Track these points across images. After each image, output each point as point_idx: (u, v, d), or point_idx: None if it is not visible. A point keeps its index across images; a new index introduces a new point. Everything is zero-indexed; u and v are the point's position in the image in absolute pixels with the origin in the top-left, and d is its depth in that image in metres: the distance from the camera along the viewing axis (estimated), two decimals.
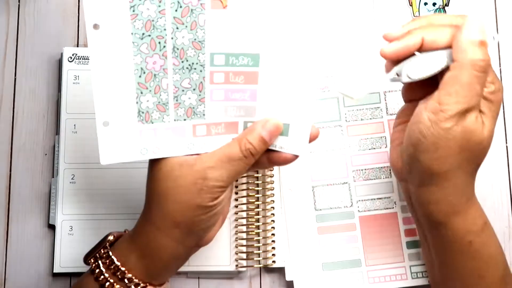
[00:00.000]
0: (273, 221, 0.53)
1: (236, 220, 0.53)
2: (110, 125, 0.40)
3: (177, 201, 0.40)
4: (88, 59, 0.55)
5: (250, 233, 0.52)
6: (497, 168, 0.54)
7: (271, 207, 0.53)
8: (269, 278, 0.54)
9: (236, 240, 0.52)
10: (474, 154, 0.39)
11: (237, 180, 0.53)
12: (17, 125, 0.55)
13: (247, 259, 0.52)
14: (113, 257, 0.42)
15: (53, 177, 0.54)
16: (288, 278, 0.52)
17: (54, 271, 0.52)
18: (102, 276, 0.41)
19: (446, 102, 0.37)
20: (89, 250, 0.44)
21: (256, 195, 0.53)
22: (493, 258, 0.42)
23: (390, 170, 0.53)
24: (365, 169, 0.53)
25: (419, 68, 0.39)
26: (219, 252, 0.52)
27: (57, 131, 0.54)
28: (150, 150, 0.41)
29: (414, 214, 0.45)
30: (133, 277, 0.41)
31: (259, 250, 0.52)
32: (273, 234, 0.52)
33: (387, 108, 0.54)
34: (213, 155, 0.41)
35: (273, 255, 0.52)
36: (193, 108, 0.41)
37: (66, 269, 0.52)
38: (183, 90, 0.41)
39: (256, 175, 0.53)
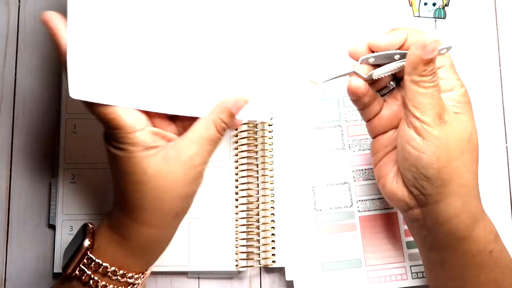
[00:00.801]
0: (273, 221, 0.53)
1: (236, 220, 0.53)
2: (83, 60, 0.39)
3: (175, 197, 0.40)
4: None
5: (250, 233, 0.52)
6: (497, 168, 0.54)
7: (271, 207, 0.53)
8: (269, 278, 0.54)
9: (236, 240, 0.52)
10: (472, 152, 0.40)
11: (237, 180, 0.53)
12: (17, 125, 0.55)
13: (247, 259, 0.52)
14: (105, 264, 0.41)
15: (53, 177, 0.54)
16: (288, 278, 0.52)
17: (54, 271, 0.52)
18: (91, 280, 0.41)
19: (419, 114, 0.39)
20: (68, 259, 0.41)
21: (256, 195, 0.53)
22: (509, 267, 0.42)
23: None
24: (365, 169, 0.53)
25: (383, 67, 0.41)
26: (219, 252, 0.52)
27: (57, 131, 0.54)
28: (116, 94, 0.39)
29: (425, 240, 0.43)
30: (126, 272, 0.41)
31: (259, 250, 0.52)
32: (273, 234, 0.52)
33: None
34: (192, 140, 0.40)
35: (273, 255, 0.52)
36: None
37: None
38: None
39: (256, 175, 0.53)
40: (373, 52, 0.41)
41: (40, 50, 0.56)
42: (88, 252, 0.41)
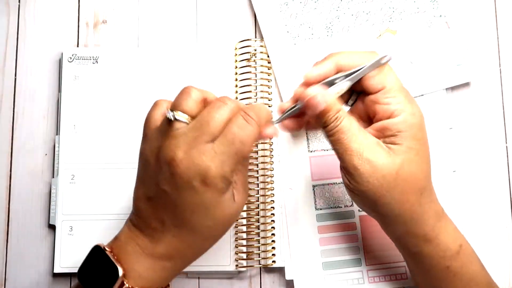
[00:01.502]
0: (273, 221, 0.53)
1: (236, 220, 0.53)
2: None
3: (211, 228, 0.40)
4: (88, 59, 0.55)
5: (250, 233, 0.52)
6: (497, 168, 0.54)
7: (271, 207, 0.53)
8: (269, 278, 0.54)
9: (236, 240, 0.52)
10: (404, 183, 0.40)
11: None
12: (17, 125, 0.55)
13: (247, 259, 0.52)
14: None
15: (53, 177, 0.54)
16: (288, 278, 0.52)
17: (54, 271, 0.52)
18: None
19: (343, 163, 0.41)
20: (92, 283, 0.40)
21: (256, 195, 0.53)
22: (473, 279, 0.43)
23: None
24: None
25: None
26: (219, 252, 0.52)
27: (57, 131, 0.54)
28: None
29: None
30: None
31: (259, 250, 0.52)
32: (273, 234, 0.52)
33: None
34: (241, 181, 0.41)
35: (273, 255, 0.52)
36: None
37: (66, 269, 0.52)
38: None
39: (256, 175, 0.53)
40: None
41: (40, 50, 0.56)
42: (124, 282, 0.39)
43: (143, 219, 0.40)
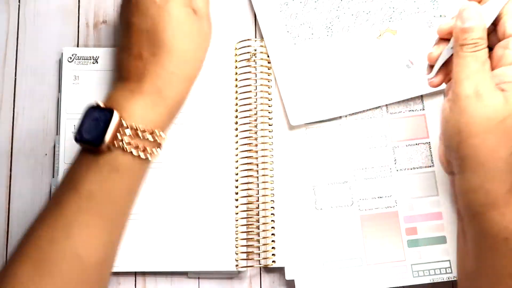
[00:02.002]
0: (273, 221, 0.53)
1: (236, 220, 0.53)
2: None
3: (192, 50, 0.46)
4: (88, 59, 0.55)
5: (250, 233, 0.52)
6: None
7: (271, 207, 0.53)
8: (269, 278, 0.54)
9: (236, 240, 0.52)
10: (502, 134, 0.39)
11: (237, 180, 0.53)
12: (17, 125, 0.55)
13: (247, 259, 0.52)
14: (137, 125, 0.42)
15: (53, 177, 0.54)
16: (288, 277, 0.52)
17: None
18: (129, 145, 0.42)
19: (454, 87, 0.39)
20: (97, 133, 0.41)
21: (256, 195, 0.53)
22: None
23: (390, 169, 0.53)
24: (366, 168, 0.53)
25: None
26: (219, 252, 0.52)
27: (57, 131, 0.54)
28: None
29: (457, 206, 0.44)
30: (147, 127, 0.42)
31: (259, 250, 0.52)
32: (273, 234, 0.52)
33: (387, 107, 0.54)
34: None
35: (273, 255, 0.52)
36: None
37: None
38: None
39: (256, 175, 0.53)
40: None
41: (40, 50, 0.56)
42: (121, 121, 0.41)
43: (124, 69, 0.45)
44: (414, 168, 0.53)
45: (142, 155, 0.42)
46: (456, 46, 0.40)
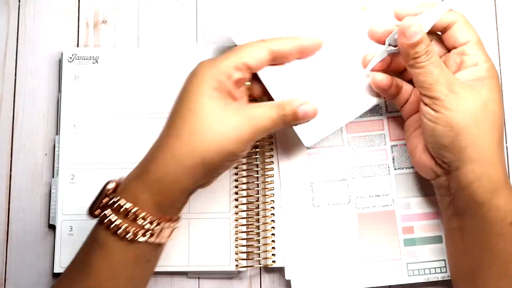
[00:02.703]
0: (273, 221, 0.53)
1: (236, 220, 0.53)
2: None
3: (212, 142, 0.41)
4: (88, 59, 0.55)
5: (250, 233, 0.52)
6: None
7: (271, 207, 0.53)
8: (269, 278, 0.54)
9: (236, 240, 0.52)
10: (489, 119, 0.42)
11: (237, 180, 0.53)
12: (17, 125, 0.55)
13: (247, 259, 0.52)
14: (121, 200, 0.41)
15: (53, 177, 0.54)
16: (288, 277, 0.52)
17: (54, 271, 0.52)
18: (113, 224, 0.41)
19: (425, 92, 0.42)
20: (92, 202, 0.43)
21: (256, 195, 0.53)
22: None
23: (388, 167, 0.53)
24: (363, 166, 0.53)
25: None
26: (219, 252, 0.52)
27: (57, 131, 0.54)
28: None
29: (448, 206, 0.46)
30: (147, 215, 0.41)
31: (259, 250, 0.52)
32: (273, 234, 0.53)
33: (386, 106, 0.54)
34: (253, 113, 0.43)
35: (273, 255, 0.52)
36: None
37: None
38: None
39: (256, 175, 0.53)
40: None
41: (40, 50, 0.56)
42: (110, 192, 0.42)
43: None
44: (412, 167, 0.53)
45: (128, 235, 0.41)
46: (410, 60, 0.42)
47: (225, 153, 0.41)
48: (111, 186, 0.42)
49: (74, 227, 0.52)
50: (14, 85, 0.56)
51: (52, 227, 0.53)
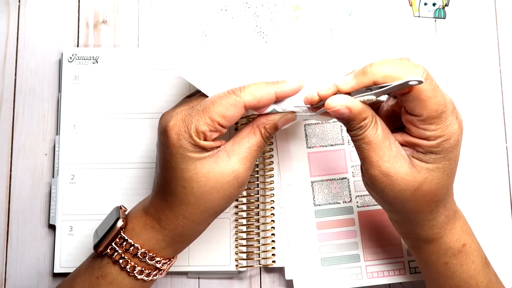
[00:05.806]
0: (273, 221, 0.53)
1: (236, 220, 0.53)
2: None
3: (220, 198, 0.42)
4: (88, 59, 0.55)
5: (250, 233, 0.52)
6: (497, 168, 0.54)
7: (271, 207, 0.53)
8: (269, 278, 0.54)
9: (236, 240, 0.52)
10: (419, 199, 0.40)
11: None
12: (17, 125, 0.55)
13: (247, 259, 0.52)
14: (136, 245, 0.42)
15: (53, 177, 0.54)
16: (288, 277, 0.52)
17: (54, 271, 0.52)
18: (121, 259, 0.42)
19: (364, 165, 0.41)
20: (100, 238, 0.43)
21: (256, 195, 0.53)
22: (473, 278, 0.43)
23: None
24: None
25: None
26: (219, 252, 0.52)
27: (57, 131, 0.54)
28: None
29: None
30: (155, 256, 0.43)
31: (259, 250, 0.52)
32: (273, 234, 0.53)
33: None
34: (241, 148, 0.42)
35: (273, 255, 0.52)
36: None
37: (66, 269, 0.52)
38: None
39: (256, 175, 0.53)
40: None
41: (40, 50, 0.56)
42: (121, 232, 0.42)
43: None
44: None
45: (133, 272, 0.43)
46: (348, 132, 0.40)
47: (232, 200, 0.43)
48: (120, 224, 0.43)
49: (74, 227, 0.52)
50: (14, 85, 0.56)
51: (52, 227, 0.53)
